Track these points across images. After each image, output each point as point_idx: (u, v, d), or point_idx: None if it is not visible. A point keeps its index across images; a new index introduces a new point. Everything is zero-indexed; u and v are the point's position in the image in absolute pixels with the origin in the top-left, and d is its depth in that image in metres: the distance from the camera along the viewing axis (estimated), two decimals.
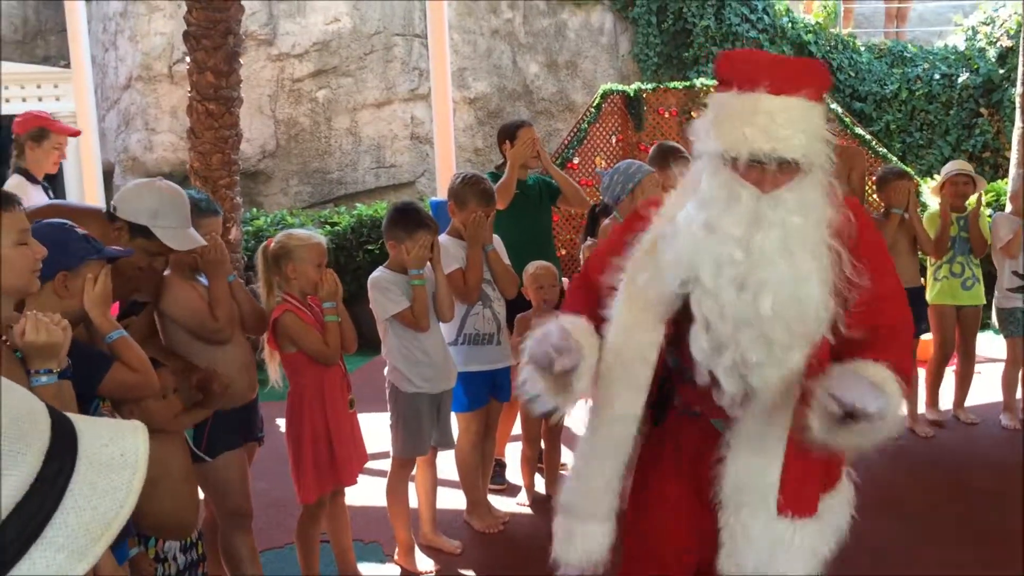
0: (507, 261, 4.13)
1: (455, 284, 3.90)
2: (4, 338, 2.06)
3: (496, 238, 4.12)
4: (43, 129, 5.11)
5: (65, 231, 2.30)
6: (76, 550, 0.77)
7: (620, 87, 8.20)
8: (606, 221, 4.32)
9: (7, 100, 10.72)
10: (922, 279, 5.42)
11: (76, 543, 0.78)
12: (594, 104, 8.08)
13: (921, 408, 5.38)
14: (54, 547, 0.77)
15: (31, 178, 5.07)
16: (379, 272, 3.71)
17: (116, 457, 0.85)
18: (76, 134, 5.40)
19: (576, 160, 7.84)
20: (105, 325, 2.29)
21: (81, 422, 0.87)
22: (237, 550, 3.18)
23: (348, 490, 3.55)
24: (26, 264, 2.06)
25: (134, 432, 0.88)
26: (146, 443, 0.88)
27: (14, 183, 5.02)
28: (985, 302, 5.53)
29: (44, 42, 11.75)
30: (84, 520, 0.79)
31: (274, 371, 3.42)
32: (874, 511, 4.19)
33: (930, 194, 5.53)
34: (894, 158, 8.08)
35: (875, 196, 5.99)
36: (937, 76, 10.55)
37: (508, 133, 4.73)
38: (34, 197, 4.89)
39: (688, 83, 8.37)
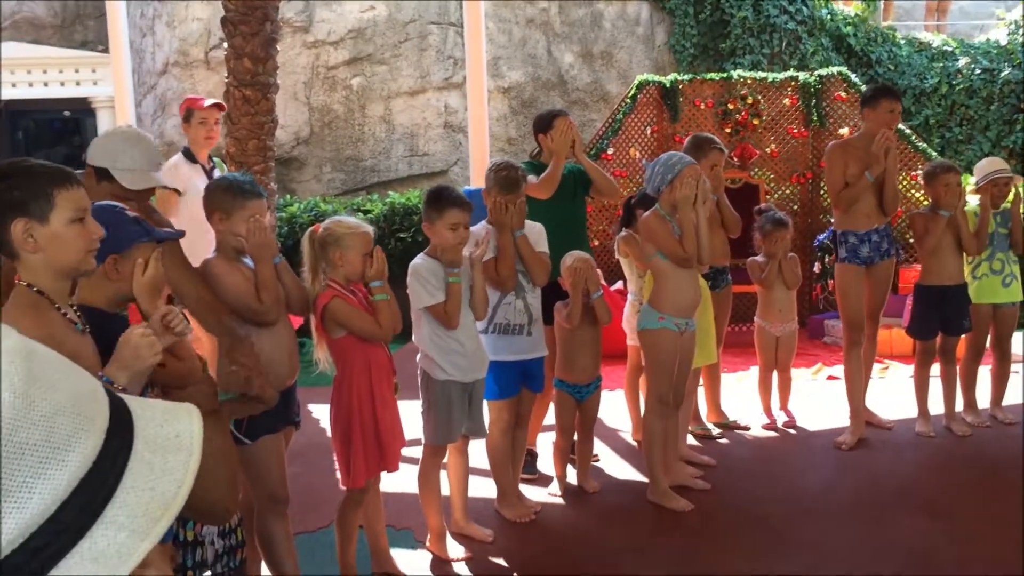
0: (544, 248, 4.09)
1: (488, 273, 3.89)
2: (64, 311, 2.08)
3: (538, 226, 4.09)
4: (188, 108, 5.22)
5: (116, 213, 2.31)
6: (137, 530, 0.77)
7: (656, 78, 8.13)
8: (646, 213, 4.28)
9: (45, 84, 10.84)
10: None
11: (136, 523, 0.77)
12: (629, 95, 8.02)
13: (958, 407, 5.31)
14: (115, 526, 0.76)
15: (190, 157, 5.12)
16: (420, 260, 3.70)
17: (171, 438, 0.84)
18: (219, 108, 5.33)
19: (611, 151, 7.79)
20: (153, 312, 2.30)
21: (134, 403, 0.87)
22: (273, 535, 3.19)
23: (381, 476, 3.56)
24: (80, 243, 2.06)
25: (188, 414, 0.88)
26: (200, 425, 0.87)
27: (169, 162, 5.09)
28: (1023, 299, 5.44)
29: (83, 27, 11.86)
30: (144, 500, 0.79)
31: (323, 357, 3.43)
32: (911, 511, 4.15)
33: (969, 193, 5.41)
34: (934, 153, 7.96)
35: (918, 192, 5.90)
36: (978, 71, 10.38)
37: (544, 123, 4.69)
38: (184, 174, 4.94)
39: (725, 74, 8.28)
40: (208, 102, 5.21)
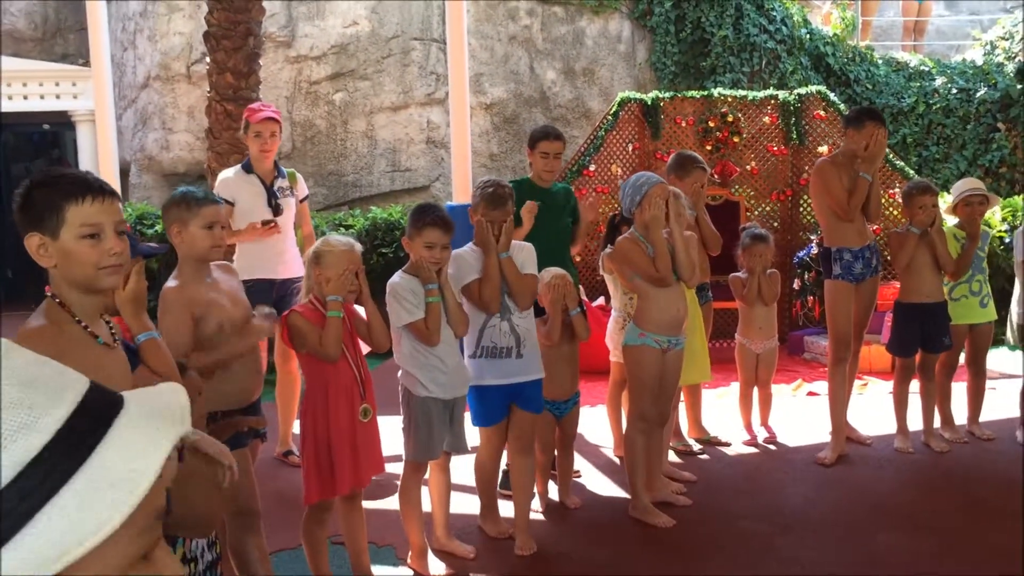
0: (532, 270, 4.00)
1: (471, 296, 3.88)
2: (85, 324, 2.08)
3: (528, 245, 4.05)
4: (245, 119, 5.01)
5: None
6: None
7: (637, 95, 8.19)
8: (627, 231, 4.30)
9: (25, 97, 10.78)
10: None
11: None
12: (611, 112, 8.07)
13: (936, 423, 5.35)
14: (98, 482, 0.77)
15: (248, 168, 4.98)
16: (397, 278, 3.68)
17: (125, 472, 0.81)
18: (271, 120, 4.96)
19: (593, 167, 7.84)
20: (135, 325, 2.29)
21: (128, 393, 0.88)
22: (247, 550, 3.18)
23: (362, 492, 3.55)
24: (90, 260, 2.03)
25: (155, 446, 0.84)
26: (163, 458, 0.83)
27: (223, 174, 5.05)
28: (997, 318, 5.51)
29: (63, 40, 11.81)
30: (128, 455, 0.79)
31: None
32: (891, 526, 4.18)
33: (944, 212, 5.46)
34: (911, 171, 8.05)
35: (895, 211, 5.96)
36: (955, 90, 10.51)
37: (537, 139, 4.71)
38: (233, 186, 4.86)
39: (706, 92, 8.35)
40: (264, 114, 4.97)
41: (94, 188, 2.02)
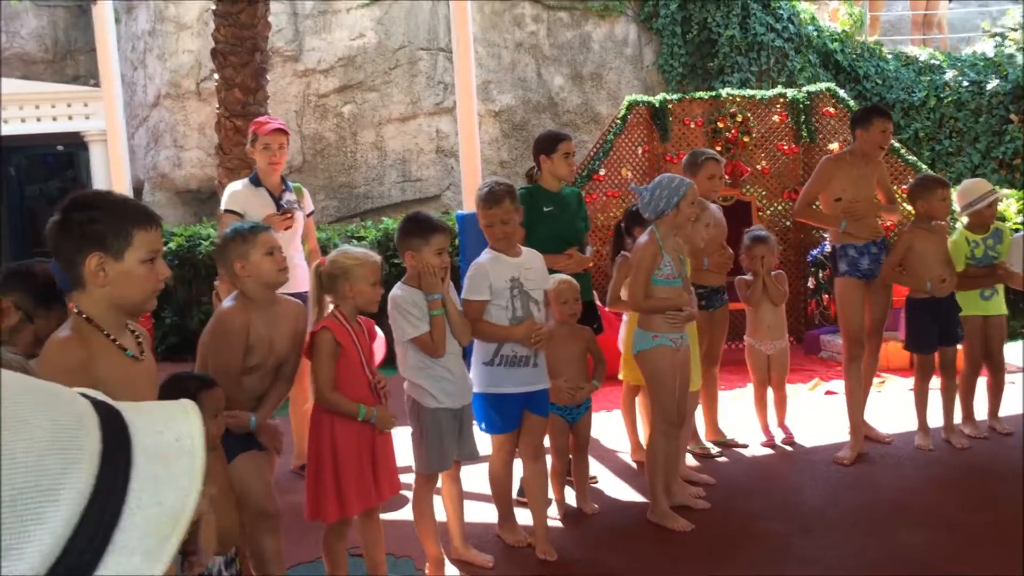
0: (547, 286, 4.07)
1: (470, 314, 3.79)
2: (113, 338, 2.15)
3: (537, 254, 4.04)
4: (253, 132, 4.99)
5: None
6: (150, 551, 0.74)
7: (645, 98, 8.17)
8: (643, 237, 4.26)
9: (38, 119, 10.87)
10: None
11: (148, 543, 0.74)
12: (620, 115, 8.06)
13: (956, 419, 5.30)
14: (127, 551, 0.73)
15: (255, 182, 4.97)
16: (398, 290, 3.63)
17: (172, 443, 0.80)
18: (279, 132, 4.95)
19: (602, 172, 7.82)
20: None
21: (130, 411, 0.83)
22: (264, 550, 3.20)
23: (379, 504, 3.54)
24: (148, 284, 2.15)
25: (185, 413, 0.84)
26: (200, 423, 0.83)
27: (231, 187, 5.04)
28: (1007, 311, 5.46)
29: (74, 62, 11.90)
30: (152, 517, 0.75)
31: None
32: (910, 524, 4.14)
33: (959, 216, 5.43)
34: (924, 166, 7.99)
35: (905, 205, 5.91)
36: (966, 83, 10.44)
37: (546, 145, 4.69)
38: (241, 198, 4.84)
39: (714, 93, 8.32)
40: (271, 126, 4.96)
41: (154, 216, 2.17)
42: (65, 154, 12.53)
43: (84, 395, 0.83)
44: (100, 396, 0.84)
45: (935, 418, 5.26)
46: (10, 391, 0.76)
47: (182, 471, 0.79)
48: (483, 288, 3.80)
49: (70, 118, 10.94)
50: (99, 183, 10.63)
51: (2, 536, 0.69)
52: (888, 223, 5.29)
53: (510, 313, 3.84)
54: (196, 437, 0.82)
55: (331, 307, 3.42)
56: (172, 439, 0.81)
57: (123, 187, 7.76)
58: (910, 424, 5.34)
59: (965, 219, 5.40)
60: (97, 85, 9.23)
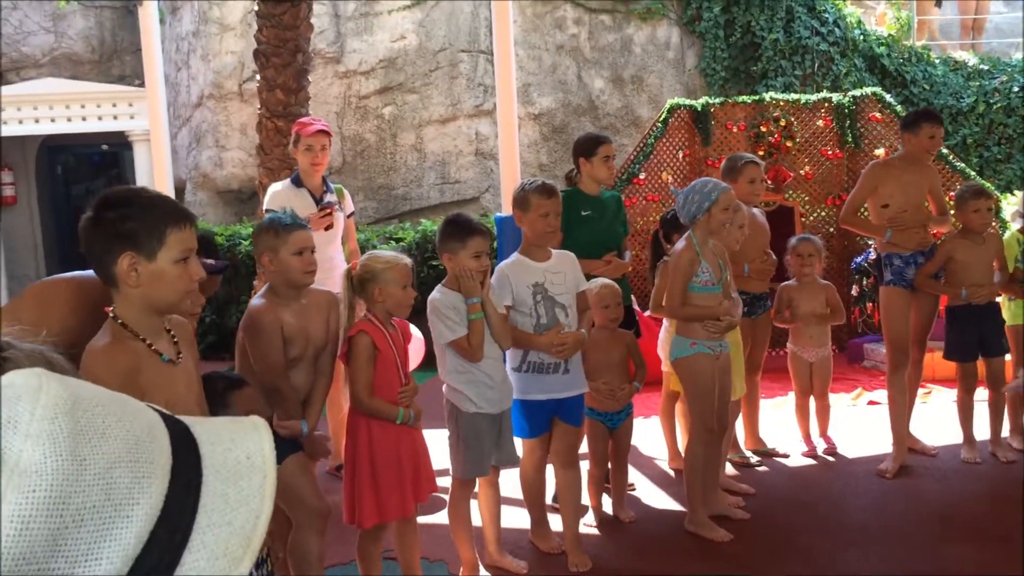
0: (584, 287, 4.01)
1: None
2: (150, 342, 2.10)
3: (571, 256, 3.98)
4: (296, 133, 5.00)
5: None
6: (219, 573, 0.71)
7: (687, 102, 8.08)
8: (680, 243, 4.21)
9: (83, 119, 11.02)
10: None
11: (218, 565, 0.71)
12: (661, 119, 7.98)
13: (1005, 432, 5.17)
14: (196, 572, 0.71)
15: (297, 183, 4.98)
16: (437, 293, 3.59)
17: (243, 461, 0.78)
18: (322, 133, 4.96)
19: (643, 176, 7.75)
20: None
21: (199, 427, 0.80)
22: (310, 551, 3.20)
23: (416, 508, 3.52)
24: (181, 284, 2.09)
25: (255, 429, 0.82)
26: (271, 440, 0.81)
27: (272, 188, 5.08)
28: None
29: (120, 62, 12.05)
30: (222, 538, 0.72)
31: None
32: (956, 538, 4.03)
33: (1010, 218, 5.33)
34: (972, 172, 7.83)
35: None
36: (1015, 89, 10.23)
37: (585, 147, 4.65)
38: (282, 199, 4.79)
39: (757, 97, 8.22)
40: (315, 127, 4.96)
41: (188, 215, 2.11)
42: (110, 153, 12.70)
43: (152, 408, 0.80)
44: (163, 409, 0.82)
45: (982, 430, 5.14)
46: (88, 402, 0.72)
47: (253, 490, 0.76)
48: (504, 294, 3.75)
49: (115, 118, 11.07)
50: (142, 183, 10.74)
51: (68, 555, 0.66)
52: (936, 231, 5.17)
53: (534, 319, 3.78)
54: (267, 455, 0.79)
55: (364, 312, 3.40)
56: (243, 456, 0.78)
57: (165, 187, 7.83)
58: (956, 436, 5.22)
59: (1020, 222, 5.30)
60: (142, 85, 9.34)
